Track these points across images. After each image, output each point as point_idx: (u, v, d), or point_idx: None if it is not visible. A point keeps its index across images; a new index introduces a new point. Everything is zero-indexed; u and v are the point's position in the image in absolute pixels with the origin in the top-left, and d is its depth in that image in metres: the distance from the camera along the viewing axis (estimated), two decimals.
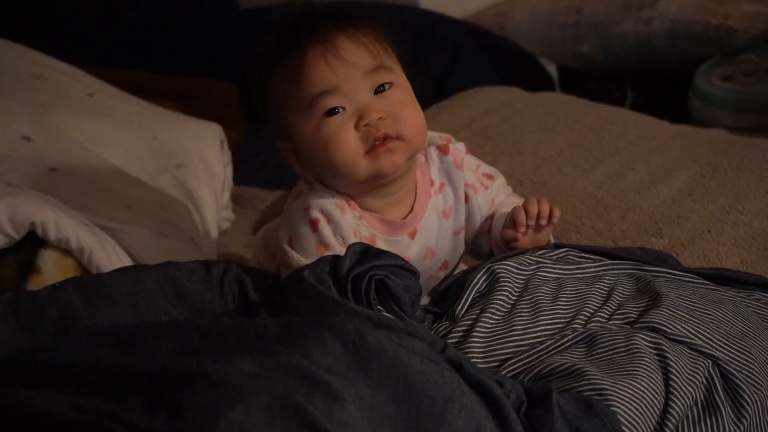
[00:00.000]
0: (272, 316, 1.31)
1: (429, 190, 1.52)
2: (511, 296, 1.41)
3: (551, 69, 2.92)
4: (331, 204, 1.45)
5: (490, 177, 1.58)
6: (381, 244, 1.47)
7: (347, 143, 1.40)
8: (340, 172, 1.42)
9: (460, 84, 2.53)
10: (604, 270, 1.48)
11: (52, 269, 1.49)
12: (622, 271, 1.48)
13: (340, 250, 1.40)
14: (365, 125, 1.40)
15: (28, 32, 2.46)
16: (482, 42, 2.74)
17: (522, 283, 1.44)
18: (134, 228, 1.63)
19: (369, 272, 1.33)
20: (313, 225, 1.45)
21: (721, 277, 1.49)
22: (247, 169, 2.28)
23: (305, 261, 1.42)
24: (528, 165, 2.04)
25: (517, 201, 1.58)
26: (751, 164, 1.93)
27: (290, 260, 1.45)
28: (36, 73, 2.02)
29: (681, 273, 1.47)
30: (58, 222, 1.49)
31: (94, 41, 2.74)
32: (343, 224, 1.45)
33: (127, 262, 1.58)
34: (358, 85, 1.40)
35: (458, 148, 1.54)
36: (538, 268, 1.46)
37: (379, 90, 1.42)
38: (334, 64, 1.39)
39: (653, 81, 2.85)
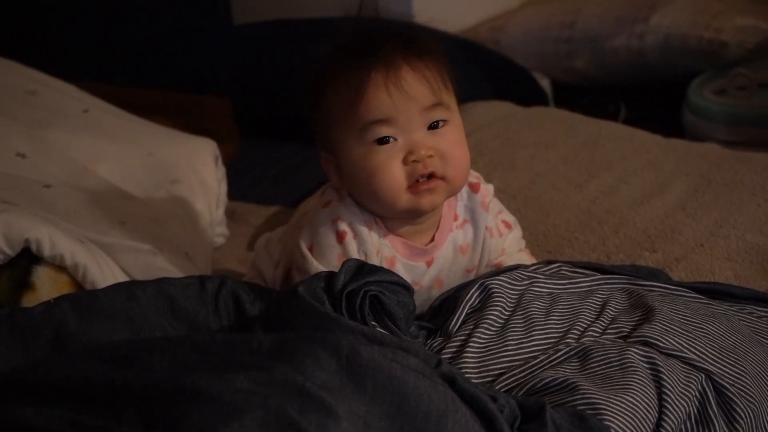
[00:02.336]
0: (267, 331, 1.31)
1: (452, 223, 1.53)
2: (504, 311, 1.41)
3: (545, 84, 2.93)
4: (361, 220, 1.46)
5: (507, 226, 1.59)
6: (400, 268, 1.49)
7: (393, 176, 1.40)
8: (381, 201, 1.43)
9: None
10: (597, 284, 1.49)
11: (46, 286, 1.49)
12: (615, 286, 1.48)
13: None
14: (413, 161, 1.40)
15: (22, 49, 2.46)
16: (476, 57, 2.74)
17: (515, 299, 1.44)
18: (129, 244, 1.63)
19: (363, 288, 1.34)
20: (340, 237, 1.46)
21: (713, 292, 1.49)
22: (242, 185, 2.28)
23: (323, 269, 1.42)
24: (522, 180, 2.04)
25: (525, 258, 1.60)
26: (744, 178, 1.93)
27: (309, 267, 1.46)
28: (31, 89, 2.02)
29: (674, 287, 1.48)
30: (53, 238, 1.49)
31: (88, 57, 2.74)
32: (368, 241, 1.45)
33: (122, 278, 1.58)
34: (414, 119, 1.40)
35: (488, 189, 1.55)
36: (531, 283, 1.47)
37: (432, 126, 1.42)
38: (394, 94, 1.39)
39: (647, 95, 2.86)
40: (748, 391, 1.29)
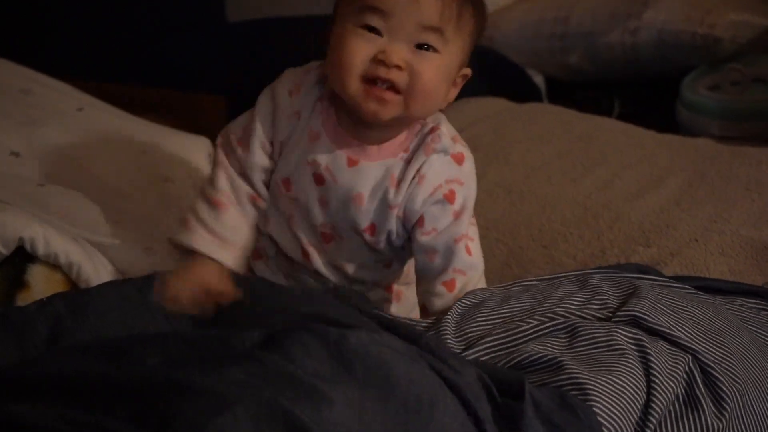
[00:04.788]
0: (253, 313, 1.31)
1: (398, 152, 1.46)
2: (479, 294, 1.42)
3: (539, 80, 2.93)
4: (303, 86, 1.46)
5: (453, 197, 1.48)
6: (322, 146, 1.45)
7: (354, 57, 1.37)
8: (335, 74, 1.39)
9: None
10: (583, 272, 1.49)
11: (40, 284, 1.48)
12: (603, 275, 1.48)
13: (265, 113, 1.46)
14: (380, 60, 1.36)
15: (16, 47, 2.46)
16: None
17: (488, 293, 1.45)
18: (123, 243, 1.63)
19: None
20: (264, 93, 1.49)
21: (703, 288, 1.50)
22: None
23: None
24: (516, 174, 2.04)
25: (443, 293, 1.49)
26: (738, 172, 1.94)
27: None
28: (25, 88, 2.02)
29: (661, 279, 1.48)
30: (47, 237, 1.49)
31: (82, 55, 2.74)
32: (282, 99, 1.45)
33: (116, 276, 1.58)
34: (407, 28, 1.37)
35: (441, 137, 1.47)
36: (513, 283, 1.48)
37: (420, 46, 1.38)
38: None
39: (641, 90, 2.86)
40: (733, 371, 1.29)
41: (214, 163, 1.49)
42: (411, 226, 1.48)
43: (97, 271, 1.53)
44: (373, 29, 1.37)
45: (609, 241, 1.80)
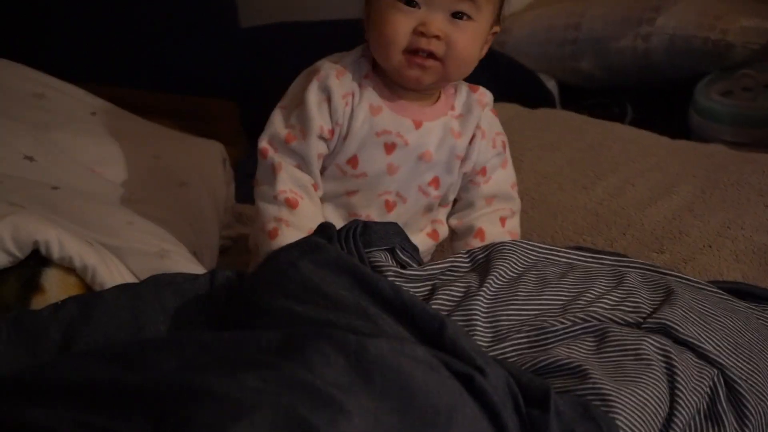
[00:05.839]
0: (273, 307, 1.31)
1: (447, 110, 1.61)
2: (514, 267, 1.43)
3: (551, 85, 2.93)
4: (350, 66, 1.57)
5: (504, 146, 1.68)
6: (386, 116, 1.57)
7: (397, 32, 1.49)
8: (379, 49, 1.53)
9: None
10: (620, 264, 1.49)
11: (55, 288, 1.48)
12: (637, 270, 1.48)
13: (317, 102, 1.54)
14: (421, 32, 1.49)
15: (29, 51, 2.46)
16: (482, 59, 2.74)
17: (530, 262, 1.45)
18: (137, 246, 1.63)
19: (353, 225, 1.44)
20: (308, 79, 1.57)
21: (734, 291, 1.49)
22: (249, 188, 2.27)
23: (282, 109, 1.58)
24: (528, 182, 2.04)
25: (499, 232, 1.65)
26: (751, 178, 1.94)
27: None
28: (38, 93, 2.03)
29: (695, 280, 1.48)
30: (62, 240, 1.49)
31: (95, 59, 2.74)
32: (333, 82, 1.54)
33: (130, 279, 1.57)
34: (443, 1, 1.49)
35: (487, 92, 1.66)
36: (550, 252, 1.48)
37: (456, 14, 1.50)
38: None
39: (653, 96, 2.86)
40: (759, 388, 1.29)
41: (272, 170, 1.58)
42: (473, 176, 1.65)
43: (112, 275, 1.53)
44: (411, 2, 1.49)
45: (622, 248, 1.80)
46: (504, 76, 2.73)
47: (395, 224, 1.54)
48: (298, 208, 1.55)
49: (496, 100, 2.52)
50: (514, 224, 1.69)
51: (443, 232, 1.68)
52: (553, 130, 2.28)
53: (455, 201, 1.69)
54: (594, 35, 2.84)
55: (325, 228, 1.45)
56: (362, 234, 1.46)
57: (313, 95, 1.55)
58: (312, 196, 1.57)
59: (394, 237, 1.50)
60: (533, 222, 1.91)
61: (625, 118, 2.75)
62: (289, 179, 1.56)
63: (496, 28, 1.59)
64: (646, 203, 1.93)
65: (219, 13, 3.07)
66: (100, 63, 2.74)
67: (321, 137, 1.55)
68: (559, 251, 1.49)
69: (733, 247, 1.75)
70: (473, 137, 1.62)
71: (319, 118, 1.54)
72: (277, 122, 1.58)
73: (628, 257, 1.54)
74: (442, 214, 1.68)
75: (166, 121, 2.25)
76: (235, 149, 2.38)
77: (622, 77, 2.86)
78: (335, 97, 1.54)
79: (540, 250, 1.49)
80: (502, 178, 1.68)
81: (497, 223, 1.67)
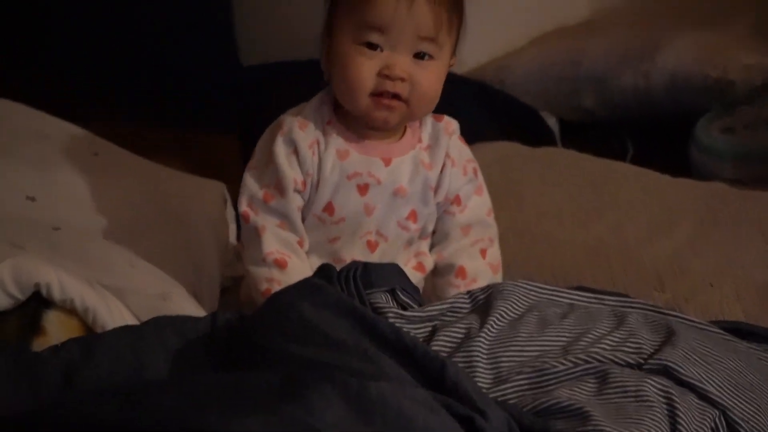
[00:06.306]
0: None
1: (415, 143, 1.62)
2: (515, 307, 1.42)
3: (552, 123, 2.93)
4: (311, 116, 1.58)
5: (475, 172, 1.68)
6: (355, 160, 1.57)
7: (363, 76, 1.51)
8: (346, 92, 1.54)
9: None
10: (622, 305, 1.49)
11: (56, 330, 1.48)
12: (639, 310, 1.48)
13: (285, 156, 1.55)
14: (386, 75, 1.50)
15: (33, 89, 2.47)
16: (482, 97, 2.75)
17: (530, 302, 1.45)
18: (138, 287, 1.63)
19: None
20: (273, 132, 1.59)
21: (735, 331, 1.49)
22: None
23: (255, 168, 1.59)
24: (529, 218, 2.04)
25: (480, 267, 1.65)
26: (751, 215, 1.94)
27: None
28: (41, 132, 2.03)
29: (696, 321, 1.48)
30: (63, 282, 1.49)
31: (97, 97, 2.76)
32: (297, 133, 1.55)
33: (132, 321, 1.57)
34: (406, 41, 1.51)
35: (452, 121, 1.66)
36: (552, 292, 1.48)
37: (418, 55, 1.52)
38: (401, 10, 1.49)
39: (654, 132, 2.85)
40: (762, 430, 1.28)
41: (256, 233, 1.57)
42: (447, 206, 1.65)
43: (113, 317, 1.53)
44: (373, 46, 1.51)
45: (623, 286, 1.79)
46: (504, 114, 2.74)
47: (396, 265, 1.54)
48: (288, 268, 1.55)
49: (497, 137, 2.54)
50: (494, 254, 1.69)
51: (429, 263, 1.67)
52: (554, 167, 2.28)
53: (433, 232, 1.69)
54: (595, 73, 2.84)
55: (325, 269, 1.45)
56: (362, 275, 1.46)
57: (281, 150, 1.56)
58: (299, 254, 1.58)
59: (394, 278, 1.50)
60: (534, 258, 1.91)
61: (626, 154, 2.75)
62: (274, 240, 1.57)
63: (453, 60, 1.60)
64: (647, 240, 1.92)
65: (219, 52, 3.08)
66: (102, 100, 2.76)
67: (296, 190, 1.56)
68: (560, 292, 1.49)
69: (734, 284, 1.75)
70: (443, 166, 1.62)
71: (290, 172, 1.55)
72: (250, 184, 1.59)
73: (629, 297, 1.54)
74: (424, 246, 1.68)
75: (166, 158, 2.26)
76: (235, 185, 2.38)
77: (623, 114, 2.85)
78: (301, 148, 1.55)
79: (541, 290, 1.49)
80: (478, 205, 1.68)
81: (477, 256, 1.66)
